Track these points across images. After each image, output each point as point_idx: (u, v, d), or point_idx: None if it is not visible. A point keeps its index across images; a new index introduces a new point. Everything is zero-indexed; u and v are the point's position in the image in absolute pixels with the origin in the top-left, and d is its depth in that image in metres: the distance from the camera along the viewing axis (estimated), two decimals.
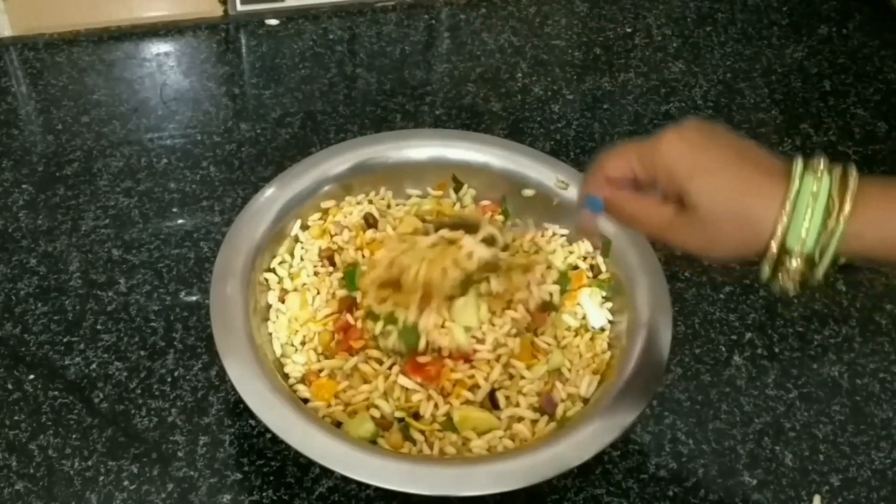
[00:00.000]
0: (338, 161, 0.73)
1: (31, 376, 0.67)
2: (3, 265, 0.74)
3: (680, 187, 0.46)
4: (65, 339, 0.70)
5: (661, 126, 0.88)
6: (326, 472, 0.62)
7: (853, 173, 0.45)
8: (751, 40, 1.01)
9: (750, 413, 0.69)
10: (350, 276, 0.67)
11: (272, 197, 0.70)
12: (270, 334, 0.66)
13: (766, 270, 0.47)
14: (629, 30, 1.01)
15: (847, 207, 0.44)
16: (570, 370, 0.65)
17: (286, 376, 0.63)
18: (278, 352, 0.65)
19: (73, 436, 0.64)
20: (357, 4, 1.00)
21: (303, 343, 0.65)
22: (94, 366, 0.68)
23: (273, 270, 0.68)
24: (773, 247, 0.45)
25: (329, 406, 0.62)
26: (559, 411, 0.62)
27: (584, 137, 0.88)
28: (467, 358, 0.63)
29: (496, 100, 0.92)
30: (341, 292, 0.67)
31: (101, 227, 0.77)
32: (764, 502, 0.64)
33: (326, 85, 0.92)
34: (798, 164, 0.46)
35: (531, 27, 1.00)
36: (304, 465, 0.63)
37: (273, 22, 0.98)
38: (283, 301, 0.67)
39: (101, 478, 0.62)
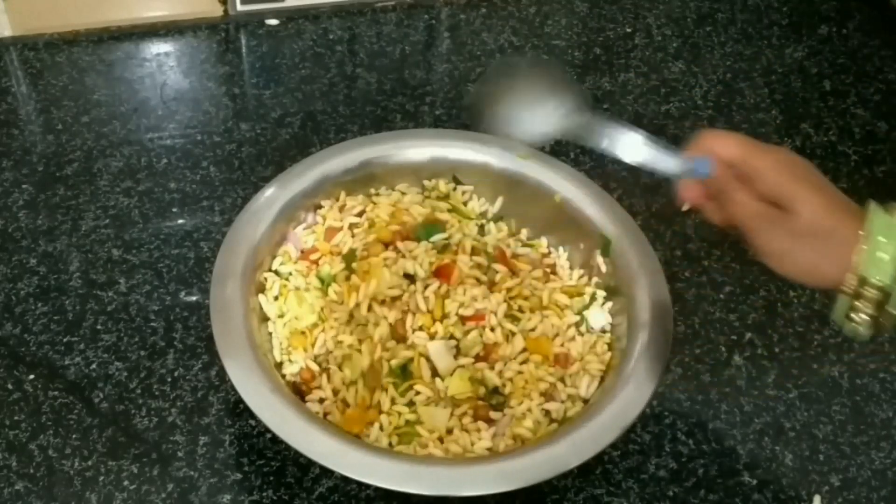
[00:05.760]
0: (338, 161, 0.73)
1: (31, 376, 0.67)
2: (3, 265, 0.74)
3: (789, 190, 0.50)
4: (65, 339, 0.70)
5: (661, 126, 0.90)
6: (326, 472, 0.62)
7: None
8: (751, 40, 1.01)
9: (750, 413, 0.69)
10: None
11: (272, 197, 0.69)
12: (270, 334, 0.66)
13: (842, 302, 0.51)
14: (629, 30, 1.01)
15: None
16: (570, 374, 0.65)
17: (285, 376, 0.63)
18: (278, 352, 0.65)
19: (73, 436, 0.64)
20: (357, 4, 1.00)
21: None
22: (94, 366, 0.68)
23: (274, 271, 0.68)
24: (851, 278, 0.49)
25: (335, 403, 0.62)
26: (559, 412, 0.62)
27: None
28: (480, 317, 0.65)
29: None
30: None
31: (101, 227, 0.77)
32: (764, 502, 0.64)
33: (326, 85, 0.92)
34: (871, 205, 0.50)
35: (531, 27, 1.00)
36: (304, 465, 0.63)
37: (273, 22, 0.98)
38: (283, 301, 0.67)
39: (101, 478, 0.62)
